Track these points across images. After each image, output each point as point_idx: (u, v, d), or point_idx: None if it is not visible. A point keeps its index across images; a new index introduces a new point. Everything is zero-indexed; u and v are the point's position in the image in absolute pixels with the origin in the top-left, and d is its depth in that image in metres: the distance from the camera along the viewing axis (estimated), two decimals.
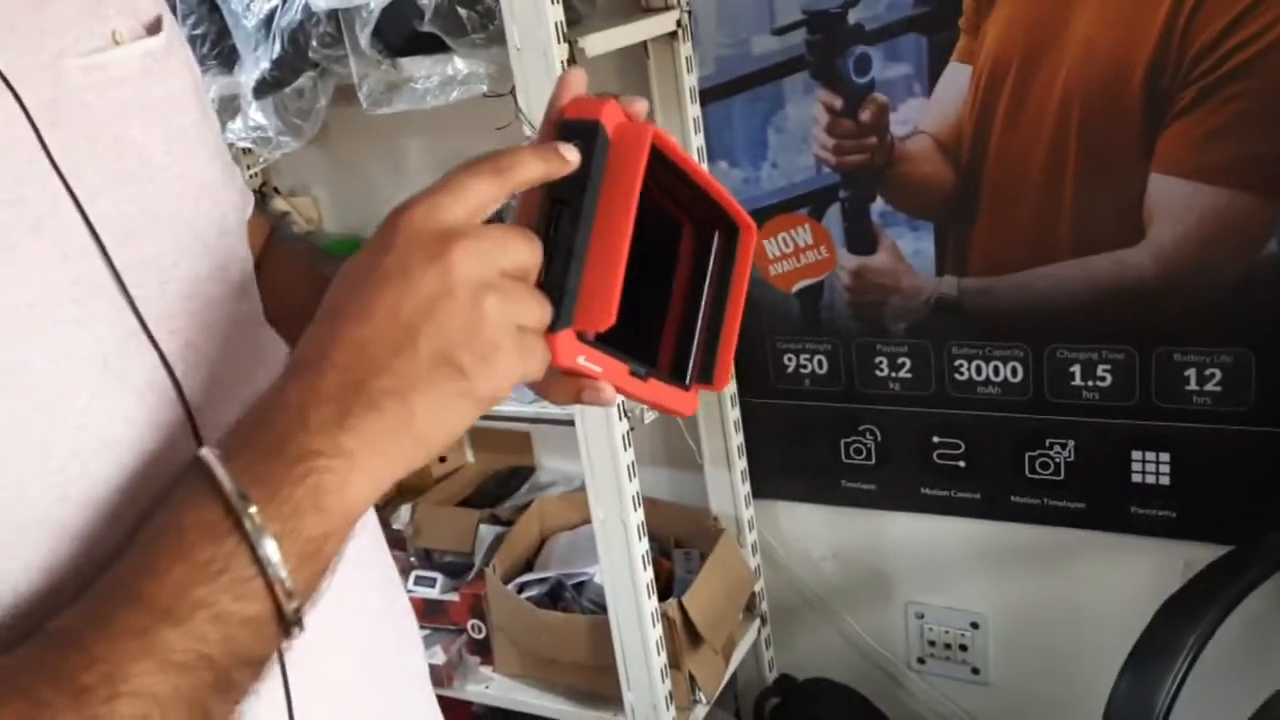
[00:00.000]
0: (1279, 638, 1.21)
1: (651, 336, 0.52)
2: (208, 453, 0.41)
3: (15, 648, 0.39)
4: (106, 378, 0.46)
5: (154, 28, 0.55)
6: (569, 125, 0.46)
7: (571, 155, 0.44)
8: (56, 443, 0.44)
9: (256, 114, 1.20)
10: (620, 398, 0.48)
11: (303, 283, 0.67)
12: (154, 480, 0.47)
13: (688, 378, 0.52)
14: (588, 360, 0.45)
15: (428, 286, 0.41)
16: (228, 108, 1.24)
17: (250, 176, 1.59)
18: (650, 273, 0.51)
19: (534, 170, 0.44)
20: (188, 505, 0.40)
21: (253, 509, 0.39)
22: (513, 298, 0.42)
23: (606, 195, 0.45)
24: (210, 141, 0.57)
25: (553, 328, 0.44)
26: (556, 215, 0.45)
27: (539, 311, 0.43)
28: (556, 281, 0.44)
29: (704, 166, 0.50)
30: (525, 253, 0.43)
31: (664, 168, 0.48)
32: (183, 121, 0.55)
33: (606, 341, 0.46)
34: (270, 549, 0.39)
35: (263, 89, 1.16)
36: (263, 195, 1.62)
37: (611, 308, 0.44)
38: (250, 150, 1.32)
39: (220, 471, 0.40)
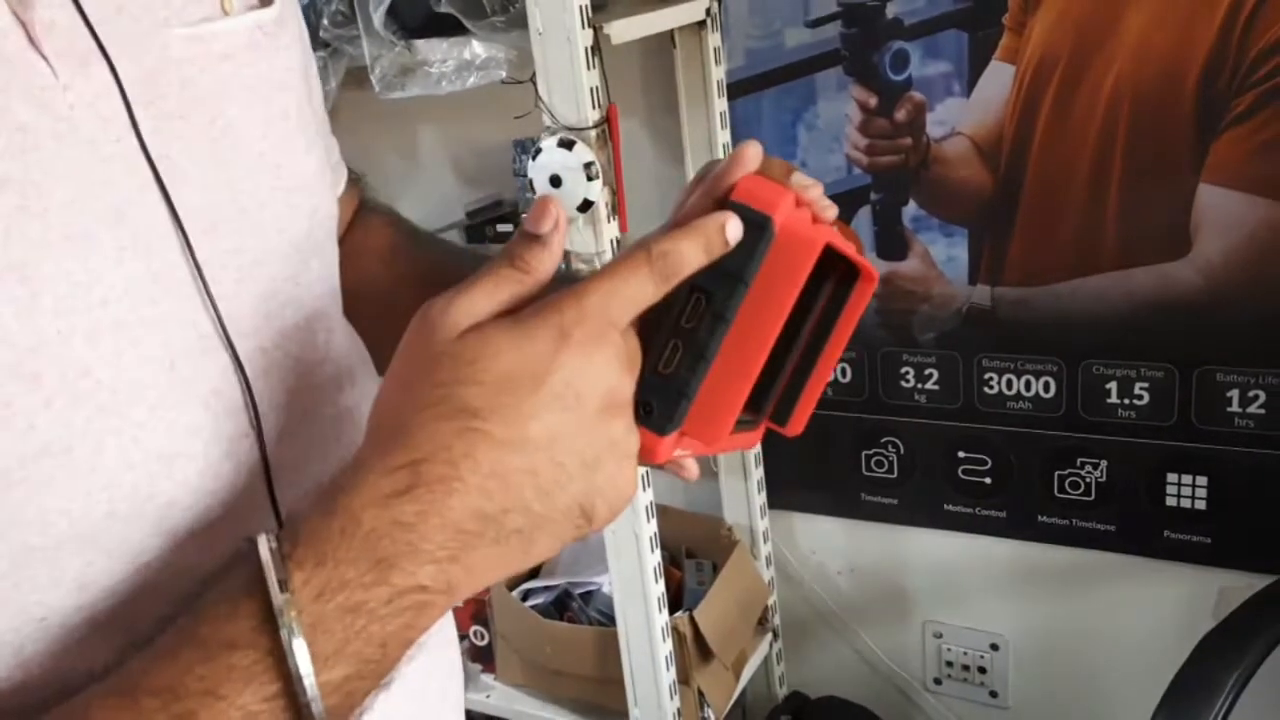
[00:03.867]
0: None
1: None
2: (264, 546, 0.35)
3: (42, 663, 0.37)
4: (174, 384, 0.42)
5: None
6: (736, 210, 0.40)
7: (734, 233, 0.40)
8: (109, 456, 0.39)
9: None
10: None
11: (382, 261, 0.64)
12: (211, 495, 0.43)
13: (761, 415, 0.47)
14: (683, 449, 0.42)
15: (594, 435, 0.38)
16: None
17: None
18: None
19: (695, 264, 0.40)
20: (239, 641, 0.34)
21: (308, 682, 0.34)
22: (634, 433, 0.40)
23: (755, 300, 0.40)
24: (310, 127, 0.52)
25: (661, 430, 0.40)
26: (694, 303, 0.40)
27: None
28: (679, 383, 0.39)
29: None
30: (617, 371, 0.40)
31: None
32: (285, 104, 0.50)
33: None
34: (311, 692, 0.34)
35: None
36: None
37: (726, 428, 0.40)
38: None
39: (283, 607, 0.34)
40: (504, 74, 1.06)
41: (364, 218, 0.67)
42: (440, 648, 0.60)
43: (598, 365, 0.37)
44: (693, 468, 0.44)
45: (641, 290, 0.38)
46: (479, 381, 0.36)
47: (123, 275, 0.40)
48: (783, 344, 0.47)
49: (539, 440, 0.36)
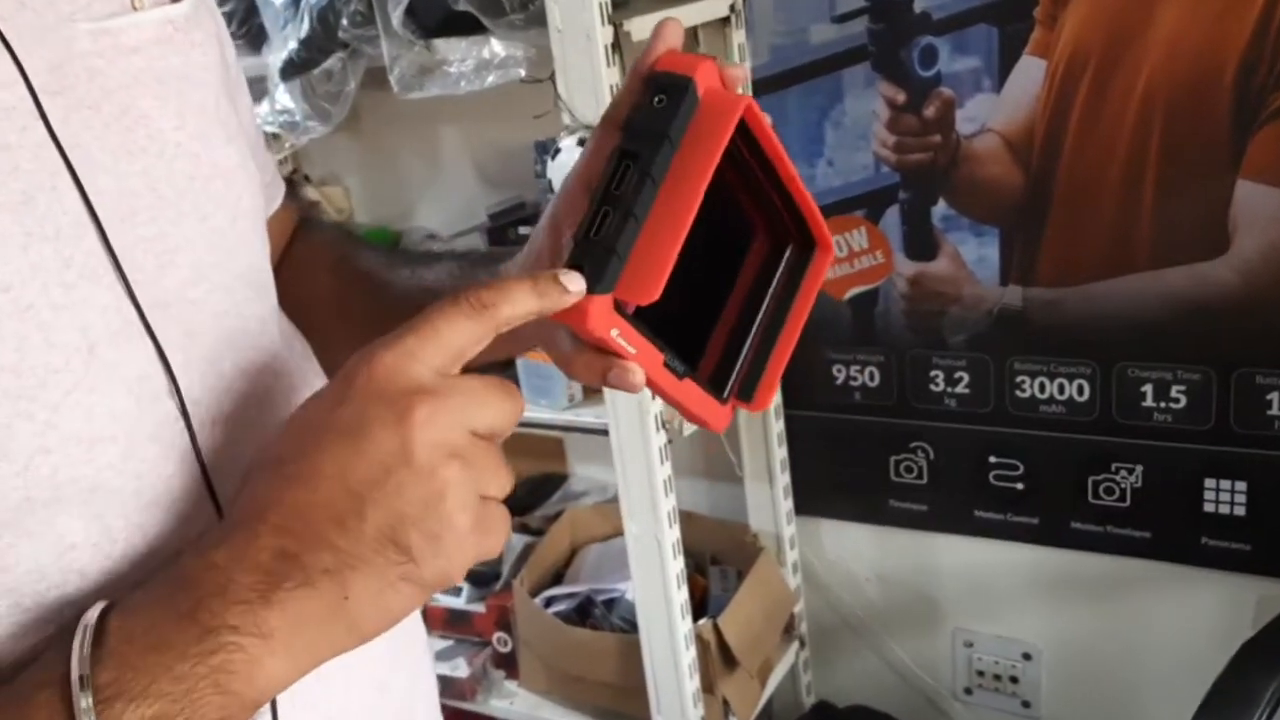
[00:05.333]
0: None
1: (698, 338, 0.47)
2: (92, 611, 0.36)
3: None
4: (93, 369, 0.42)
5: None
6: (659, 78, 0.41)
7: (574, 286, 0.39)
8: (21, 440, 0.39)
9: (284, 97, 1.15)
10: (651, 398, 0.43)
11: (329, 271, 0.64)
12: (139, 479, 0.43)
13: (727, 391, 0.47)
14: (622, 336, 0.40)
15: (383, 451, 0.36)
16: (254, 90, 1.18)
17: (280, 163, 1.55)
18: (712, 271, 0.46)
19: (525, 307, 0.39)
20: (39, 673, 0.35)
21: (84, 703, 0.34)
22: (478, 464, 0.38)
23: (682, 160, 0.40)
24: (231, 123, 0.53)
25: (592, 289, 0.39)
26: (623, 170, 0.40)
27: (505, 480, 0.39)
28: (607, 240, 0.39)
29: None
30: (503, 411, 0.39)
31: (750, 153, 0.43)
32: (201, 97, 0.50)
33: (647, 325, 0.41)
34: None
35: (290, 70, 1.11)
36: (292, 183, 1.57)
37: (659, 281, 0.39)
38: (279, 136, 1.28)
39: (77, 647, 0.35)
40: (523, 73, 1.05)
41: (307, 232, 0.67)
42: (406, 646, 0.59)
43: (393, 401, 0.37)
44: (637, 375, 0.42)
45: (458, 329, 0.38)
46: (288, 432, 0.39)
47: (29, 261, 0.40)
48: (743, 320, 0.48)
49: (330, 471, 0.36)
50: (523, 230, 1.42)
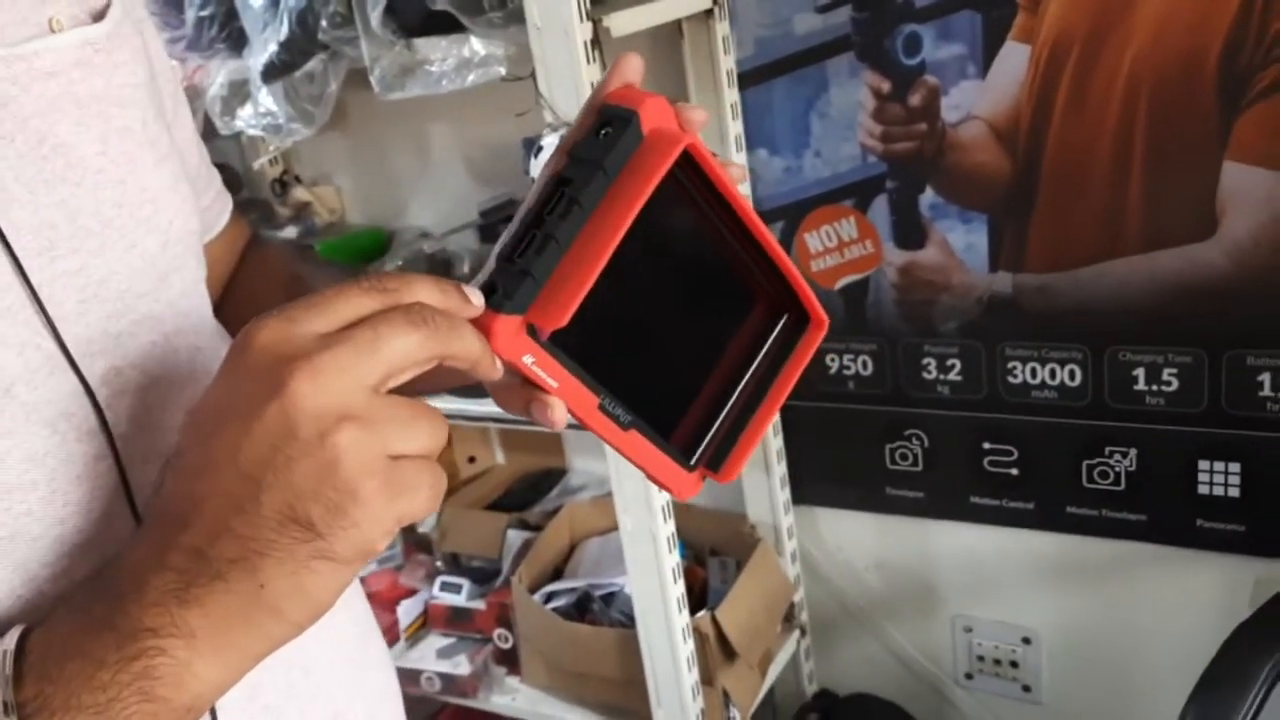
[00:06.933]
0: None
1: (679, 404, 0.46)
2: (10, 636, 0.35)
3: None
4: (8, 411, 0.40)
5: (100, 14, 0.48)
6: (607, 110, 0.41)
7: (475, 299, 0.38)
8: None
9: (266, 99, 1.14)
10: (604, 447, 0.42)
11: (283, 290, 0.62)
12: (62, 524, 0.41)
13: (695, 458, 0.46)
14: (538, 365, 0.39)
15: (267, 427, 0.34)
16: (238, 93, 1.19)
17: (271, 164, 1.55)
18: (704, 338, 0.45)
19: (425, 294, 0.37)
20: None
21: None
22: (378, 421, 0.34)
23: (615, 192, 0.39)
24: (162, 143, 0.51)
25: (499, 306, 0.38)
26: (557, 196, 0.40)
27: (422, 433, 0.36)
28: (525, 263, 0.39)
29: (749, 199, 0.45)
30: (402, 355, 0.35)
31: (714, 200, 0.42)
32: (127, 119, 0.48)
33: (611, 381, 0.40)
34: None
35: (271, 73, 1.11)
36: (283, 185, 1.57)
37: (569, 307, 0.38)
38: (265, 138, 1.28)
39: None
40: (503, 71, 1.05)
41: (258, 249, 0.65)
42: (364, 669, 0.57)
43: (270, 371, 0.34)
44: (557, 410, 0.40)
45: (350, 299, 0.36)
46: (186, 425, 0.37)
47: None
48: (725, 388, 0.47)
49: (222, 457, 0.34)
50: None
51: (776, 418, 1.41)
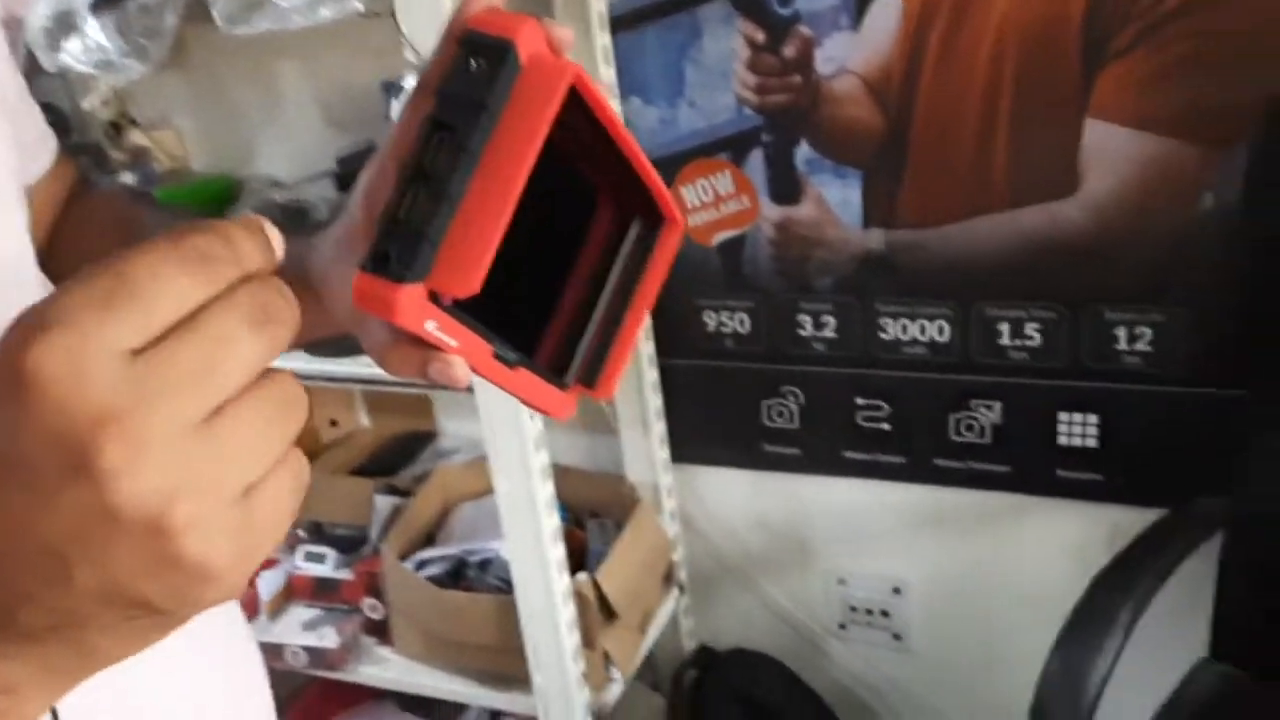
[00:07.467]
0: (1202, 603, 1.18)
1: (534, 320, 0.43)
2: None
3: None
4: None
5: None
6: (474, 40, 0.36)
7: (277, 242, 0.31)
8: None
9: (96, 32, 1.04)
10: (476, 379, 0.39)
11: (115, 239, 0.55)
12: None
13: (569, 376, 0.43)
14: (440, 329, 0.36)
15: (74, 510, 0.26)
16: (63, 25, 1.07)
17: (103, 105, 1.42)
18: (548, 247, 0.42)
19: (250, 253, 0.30)
20: None
21: None
22: (223, 466, 0.27)
23: (503, 133, 0.35)
24: None
25: (400, 278, 0.34)
26: (437, 143, 0.35)
27: (280, 436, 0.29)
28: (416, 223, 0.34)
29: (623, 121, 0.42)
30: (247, 364, 0.28)
31: (583, 122, 0.39)
32: None
33: (470, 312, 0.37)
34: None
35: (101, 4, 1.01)
36: (117, 128, 1.45)
37: (479, 271, 0.34)
38: (95, 77, 1.17)
39: None
40: (361, 6, 0.98)
41: (87, 193, 0.58)
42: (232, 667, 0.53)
43: (68, 440, 0.26)
44: (460, 369, 0.36)
45: (169, 286, 0.27)
46: None
47: None
48: (586, 300, 0.44)
49: (11, 525, 0.27)
50: None
51: (655, 374, 1.39)
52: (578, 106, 0.38)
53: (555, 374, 0.43)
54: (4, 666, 0.29)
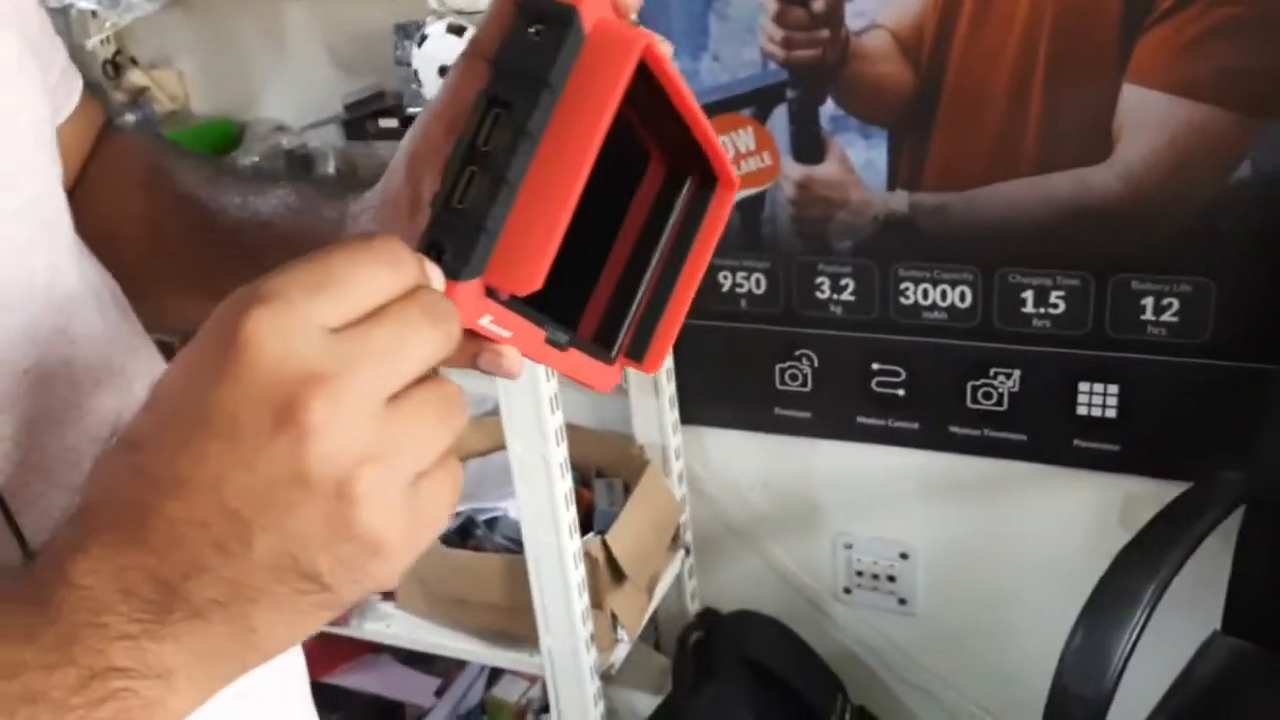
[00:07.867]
0: (1215, 577, 1.18)
1: (578, 290, 0.40)
2: None
3: None
4: None
5: None
6: (534, 4, 0.33)
7: (437, 280, 0.32)
8: None
9: None
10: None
11: (142, 191, 0.52)
12: None
13: (615, 349, 0.41)
14: (494, 322, 0.33)
15: (270, 464, 0.27)
16: None
17: (102, 44, 1.37)
18: (595, 207, 0.38)
19: (424, 275, 0.31)
20: None
21: None
22: (402, 447, 0.29)
23: (566, 112, 0.32)
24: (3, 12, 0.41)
25: (455, 274, 0.31)
26: (492, 120, 0.32)
27: (446, 434, 0.30)
28: (475, 213, 0.31)
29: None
30: (426, 357, 0.30)
31: (647, 88, 0.35)
32: None
33: (539, 305, 0.34)
34: None
35: None
36: (116, 67, 1.39)
37: (541, 269, 0.32)
38: (97, 14, 1.12)
39: None
40: None
41: (113, 141, 0.54)
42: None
43: (279, 393, 0.28)
44: (514, 359, 0.35)
45: (370, 277, 0.30)
46: (149, 406, 0.30)
47: None
48: (635, 265, 0.41)
49: (200, 482, 0.28)
50: (382, 123, 1.31)
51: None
52: (642, 72, 0.34)
53: (600, 346, 0.40)
54: (161, 649, 0.28)
